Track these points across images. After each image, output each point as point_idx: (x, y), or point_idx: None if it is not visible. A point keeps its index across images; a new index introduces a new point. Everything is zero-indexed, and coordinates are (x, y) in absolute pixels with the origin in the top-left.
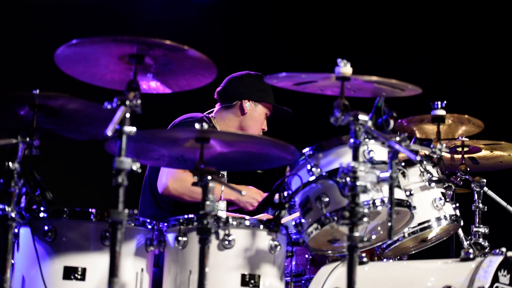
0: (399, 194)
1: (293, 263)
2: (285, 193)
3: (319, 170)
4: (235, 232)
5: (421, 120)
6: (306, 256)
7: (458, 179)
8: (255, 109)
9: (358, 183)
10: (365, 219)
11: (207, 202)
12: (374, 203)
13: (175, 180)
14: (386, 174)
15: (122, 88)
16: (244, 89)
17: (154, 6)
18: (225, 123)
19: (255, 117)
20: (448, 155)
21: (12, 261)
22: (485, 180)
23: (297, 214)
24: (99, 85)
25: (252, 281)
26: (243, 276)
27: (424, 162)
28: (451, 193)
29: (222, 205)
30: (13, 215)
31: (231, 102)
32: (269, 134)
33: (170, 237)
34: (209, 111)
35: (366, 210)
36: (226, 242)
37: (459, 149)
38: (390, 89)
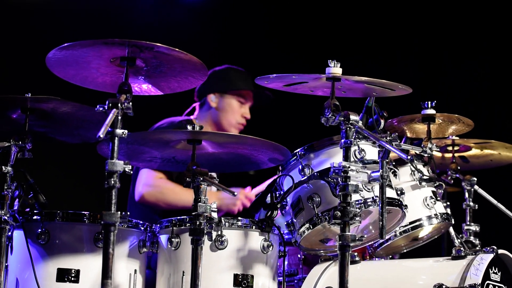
0: (390, 193)
1: (286, 263)
2: (277, 193)
3: (310, 170)
4: (228, 233)
5: (411, 120)
6: (299, 255)
7: (449, 177)
8: (222, 100)
9: (349, 182)
10: (357, 218)
11: (199, 203)
12: (365, 202)
13: (149, 188)
14: (377, 174)
15: (114, 90)
16: (207, 85)
17: (145, 8)
18: (203, 123)
19: (225, 108)
20: (439, 154)
21: (6, 264)
22: (475, 179)
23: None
24: (91, 87)
25: (245, 282)
26: (236, 276)
27: (415, 161)
28: (442, 191)
29: (215, 205)
30: (6, 218)
31: (200, 100)
32: (261, 135)
33: (163, 238)
34: (188, 112)
35: (357, 210)
36: (219, 243)
37: (450, 148)
38: (381, 89)
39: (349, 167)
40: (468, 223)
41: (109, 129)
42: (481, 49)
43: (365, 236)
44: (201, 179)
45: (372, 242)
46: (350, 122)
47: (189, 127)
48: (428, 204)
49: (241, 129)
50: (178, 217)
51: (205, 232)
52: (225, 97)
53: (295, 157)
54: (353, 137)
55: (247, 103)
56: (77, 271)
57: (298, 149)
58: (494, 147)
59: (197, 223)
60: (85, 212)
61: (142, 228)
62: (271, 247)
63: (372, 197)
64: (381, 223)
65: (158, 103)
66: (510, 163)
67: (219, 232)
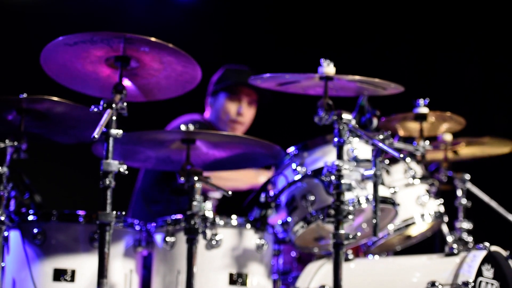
0: (383, 191)
1: (280, 261)
2: (271, 193)
3: (304, 169)
4: (222, 232)
5: (404, 118)
6: (293, 254)
7: (442, 175)
8: (216, 100)
9: (342, 181)
10: (350, 216)
11: (194, 203)
12: (358, 200)
13: None
14: (370, 172)
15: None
16: (207, 90)
17: (141, 9)
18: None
19: (217, 108)
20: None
21: (3, 264)
22: (468, 176)
23: None
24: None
25: (240, 280)
26: (231, 275)
27: (408, 160)
28: (435, 189)
29: (209, 204)
30: (2, 218)
31: (206, 105)
32: (255, 134)
33: (158, 237)
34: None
35: (351, 208)
36: (214, 242)
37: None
38: (373, 88)
39: (342, 165)
40: (460, 220)
41: (104, 129)
42: (474, 48)
43: (359, 234)
44: (196, 178)
45: (366, 240)
46: (343, 121)
47: (183, 127)
48: (421, 202)
49: (237, 128)
50: (173, 217)
51: (200, 231)
52: (218, 98)
53: (288, 156)
54: (346, 136)
55: (241, 100)
56: (73, 271)
57: (292, 148)
58: (485, 143)
59: (192, 223)
60: (81, 212)
61: (138, 228)
62: (266, 245)
63: (366, 196)
64: (374, 221)
65: (153, 103)
66: (500, 154)
67: (214, 231)
